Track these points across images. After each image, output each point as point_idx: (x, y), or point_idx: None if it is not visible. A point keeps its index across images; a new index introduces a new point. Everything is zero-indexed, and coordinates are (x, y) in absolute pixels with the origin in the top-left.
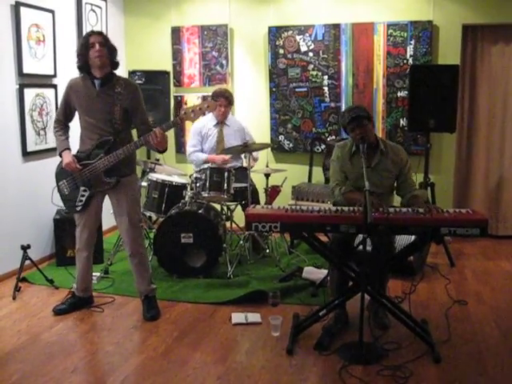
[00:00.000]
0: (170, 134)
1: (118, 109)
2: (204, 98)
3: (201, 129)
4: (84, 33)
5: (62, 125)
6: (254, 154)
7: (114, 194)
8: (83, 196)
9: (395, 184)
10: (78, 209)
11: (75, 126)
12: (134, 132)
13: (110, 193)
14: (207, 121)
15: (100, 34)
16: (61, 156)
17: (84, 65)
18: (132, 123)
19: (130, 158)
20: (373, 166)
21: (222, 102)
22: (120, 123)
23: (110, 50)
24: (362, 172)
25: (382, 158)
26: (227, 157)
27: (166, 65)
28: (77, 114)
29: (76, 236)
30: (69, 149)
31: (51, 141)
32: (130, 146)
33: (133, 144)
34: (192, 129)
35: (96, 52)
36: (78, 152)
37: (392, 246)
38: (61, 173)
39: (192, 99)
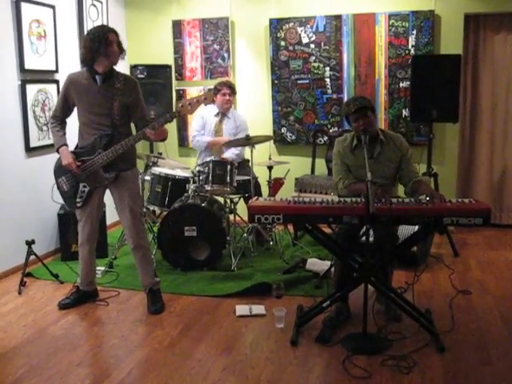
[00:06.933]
0: (173, 127)
1: (117, 104)
2: (209, 90)
3: (203, 115)
4: (85, 28)
5: (59, 120)
6: (230, 154)
7: (115, 189)
8: (83, 192)
9: (398, 173)
10: (79, 205)
11: (73, 121)
12: (133, 126)
13: (111, 187)
14: (209, 110)
15: (116, 32)
16: (58, 152)
17: (90, 59)
18: (131, 118)
19: (129, 152)
20: (375, 156)
21: (226, 90)
22: (119, 118)
23: (120, 51)
24: (364, 163)
25: (383, 148)
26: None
27: (168, 58)
28: (75, 109)
29: (78, 231)
30: (66, 145)
31: None
32: (128, 140)
33: (131, 138)
34: (197, 116)
35: (114, 52)
36: (76, 147)
37: (395, 236)
38: (59, 169)
39: (194, 93)
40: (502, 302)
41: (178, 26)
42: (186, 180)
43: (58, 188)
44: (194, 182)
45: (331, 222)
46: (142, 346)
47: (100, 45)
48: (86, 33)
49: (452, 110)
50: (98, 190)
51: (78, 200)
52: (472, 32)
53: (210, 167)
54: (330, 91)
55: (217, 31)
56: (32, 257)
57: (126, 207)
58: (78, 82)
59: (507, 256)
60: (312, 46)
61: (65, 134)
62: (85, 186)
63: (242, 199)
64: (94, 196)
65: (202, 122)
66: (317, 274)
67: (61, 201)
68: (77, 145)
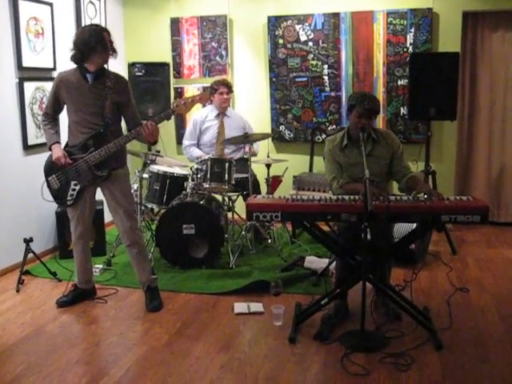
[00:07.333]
0: (171, 125)
1: (109, 103)
2: (204, 89)
3: (201, 122)
4: (83, 25)
5: (51, 118)
6: (255, 146)
7: (106, 188)
8: (74, 190)
9: (391, 170)
10: (69, 203)
11: (63, 119)
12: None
13: (103, 186)
14: (208, 112)
15: (108, 31)
16: (50, 149)
17: (82, 58)
18: (123, 117)
19: (120, 151)
20: (367, 154)
21: (223, 89)
22: (110, 117)
23: (112, 51)
24: (357, 162)
25: (375, 146)
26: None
27: (166, 56)
28: (65, 107)
29: (71, 230)
30: (59, 142)
31: None
32: (121, 139)
33: (124, 137)
34: (192, 121)
35: (108, 53)
36: (66, 146)
37: (390, 234)
38: (50, 167)
39: (192, 91)
40: (499, 300)
41: (175, 24)
42: (184, 178)
43: (48, 186)
44: (193, 180)
45: (329, 220)
46: (140, 343)
47: (97, 43)
48: (77, 31)
49: (450, 107)
50: (89, 189)
51: (68, 198)
52: (470, 30)
53: (208, 165)
54: (328, 89)
55: (215, 29)
56: (30, 255)
57: (119, 205)
58: (69, 81)
59: (505, 254)
60: (310, 43)
61: (57, 131)
62: (76, 184)
63: (240, 197)
64: (85, 194)
65: (198, 130)
66: (315, 271)
67: (51, 199)
68: (66, 143)
